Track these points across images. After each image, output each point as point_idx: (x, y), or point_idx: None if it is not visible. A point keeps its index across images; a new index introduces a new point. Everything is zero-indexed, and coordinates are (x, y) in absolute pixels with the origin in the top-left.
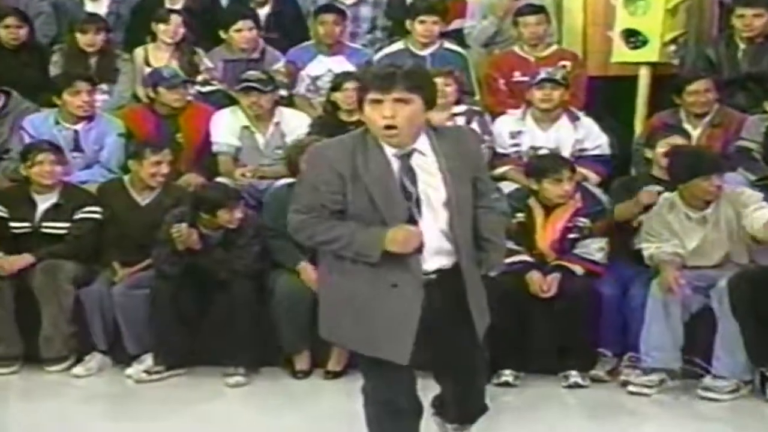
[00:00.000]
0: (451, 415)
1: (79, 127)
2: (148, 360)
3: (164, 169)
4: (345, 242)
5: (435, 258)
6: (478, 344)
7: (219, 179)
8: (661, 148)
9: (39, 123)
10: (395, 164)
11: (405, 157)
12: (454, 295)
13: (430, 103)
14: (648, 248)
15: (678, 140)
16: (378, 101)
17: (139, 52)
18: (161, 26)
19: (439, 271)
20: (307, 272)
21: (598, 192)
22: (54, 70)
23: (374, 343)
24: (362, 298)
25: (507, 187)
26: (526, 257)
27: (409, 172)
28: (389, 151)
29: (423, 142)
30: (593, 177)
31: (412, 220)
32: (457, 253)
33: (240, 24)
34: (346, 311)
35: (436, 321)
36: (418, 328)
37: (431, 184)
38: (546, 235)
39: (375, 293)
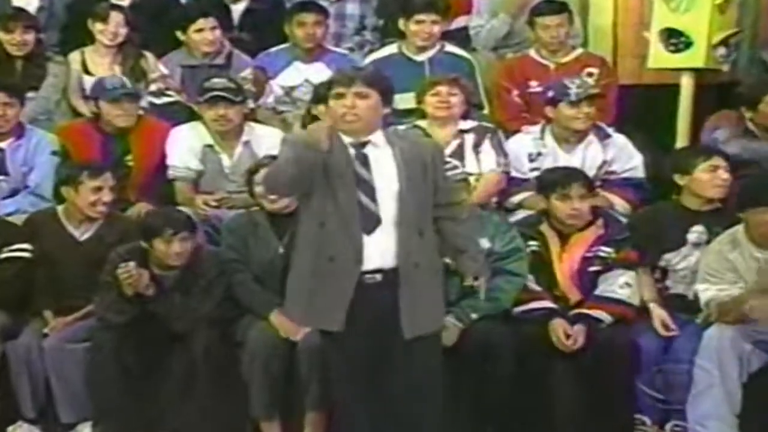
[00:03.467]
0: None
1: (4, 144)
2: (86, 430)
3: (106, 196)
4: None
5: (384, 255)
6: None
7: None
8: (704, 172)
9: None
10: (351, 152)
11: (359, 146)
12: (391, 299)
13: (386, 100)
14: (707, 290)
15: (722, 162)
16: (341, 94)
17: (75, 56)
18: (99, 25)
19: (385, 271)
20: (279, 320)
21: (624, 218)
22: None
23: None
24: (306, 270)
25: (517, 214)
26: (547, 302)
27: (363, 158)
28: (346, 140)
29: (378, 137)
30: (620, 204)
31: (363, 203)
32: (403, 249)
33: (201, 23)
34: (296, 284)
35: (373, 327)
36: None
37: (385, 175)
38: (563, 268)
39: (317, 265)
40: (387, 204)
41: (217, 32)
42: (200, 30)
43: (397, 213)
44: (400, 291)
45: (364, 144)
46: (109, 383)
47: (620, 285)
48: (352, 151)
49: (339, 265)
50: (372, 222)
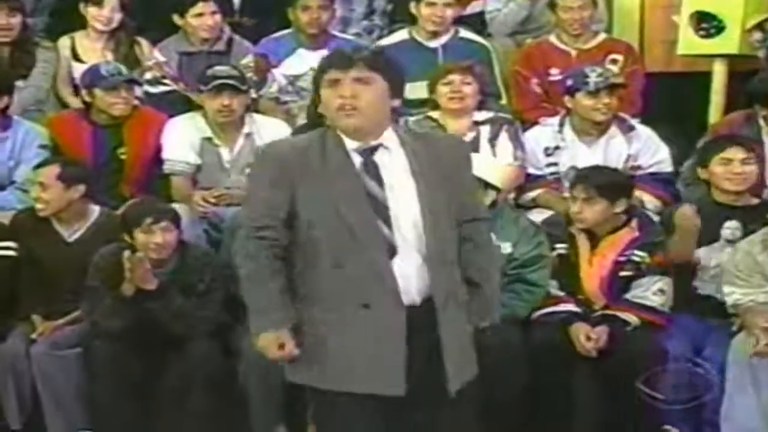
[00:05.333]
0: None
1: None
2: None
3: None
4: (252, 302)
5: (407, 289)
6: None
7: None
8: (717, 165)
9: None
10: (356, 160)
11: (368, 152)
12: (426, 339)
13: (395, 89)
14: (731, 293)
15: (738, 154)
16: (336, 81)
17: (64, 42)
18: (92, 9)
19: (411, 307)
20: None
21: (656, 216)
22: None
23: (354, 375)
24: (329, 323)
25: (540, 214)
26: (569, 305)
27: (373, 169)
28: (350, 146)
29: (390, 137)
30: (650, 201)
31: (379, 229)
32: (431, 282)
33: (200, 7)
34: (315, 342)
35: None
36: None
37: (400, 188)
38: (592, 273)
39: (343, 317)
40: (405, 227)
41: (218, 17)
42: (200, 15)
43: (419, 238)
44: (441, 333)
45: (373, 150)
46: (107, 394)
47: (653, 292)
48: (357, 159)
49: (378, 312)
50: (388, 251)
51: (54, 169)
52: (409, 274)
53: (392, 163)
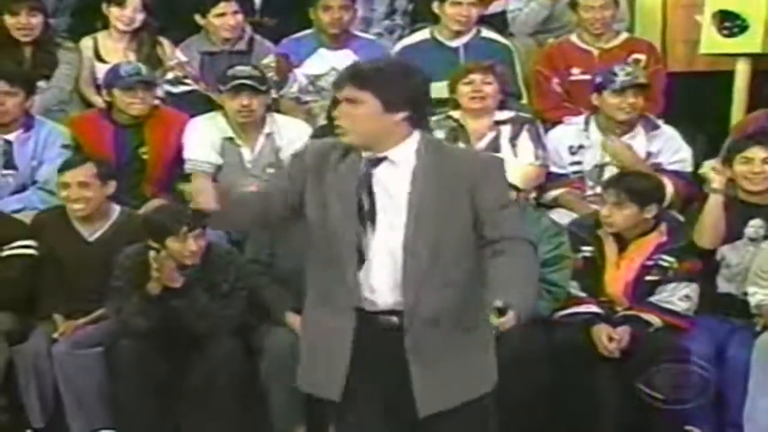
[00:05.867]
0: None
1: (12, 136)
2: None
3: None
4: None
5: (390, 294)
6: None
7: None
8: (738, 164)
9: None
10: (362, 169)
11: (370, 164)
12: (395, 355)
13: (392, 104)
14: (755, 294)
15: (759, 153)
16: (338, 101)
17: (86, 42)
18: (115, 10)
19: (392, 312)
20: (296, 322)
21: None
22: None
23: (311, 377)
24: (308, 328)
25: (565, 216)
26: (591, 306)
27: (368, 180)
28: (364, 155)
29: (403, 152)
30: (668, 186)
31: (359, 240)
32: (406, 297)
33: (222, 6)
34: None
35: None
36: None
37: (392, 201)
38: (619, 276)
39: (315, 321)
40: (391, 238)
41: (239, 17)
42: (221, 14)
43: (403, 251)
44: (408, 350)
45: (377, 161)
46: (130, 393)
47: (679, 297)
48: (363, 168)
49: (336, 318)
50: (359, 260)
51: (92, 168)
52: (382, 285)
53: (393, 175)
